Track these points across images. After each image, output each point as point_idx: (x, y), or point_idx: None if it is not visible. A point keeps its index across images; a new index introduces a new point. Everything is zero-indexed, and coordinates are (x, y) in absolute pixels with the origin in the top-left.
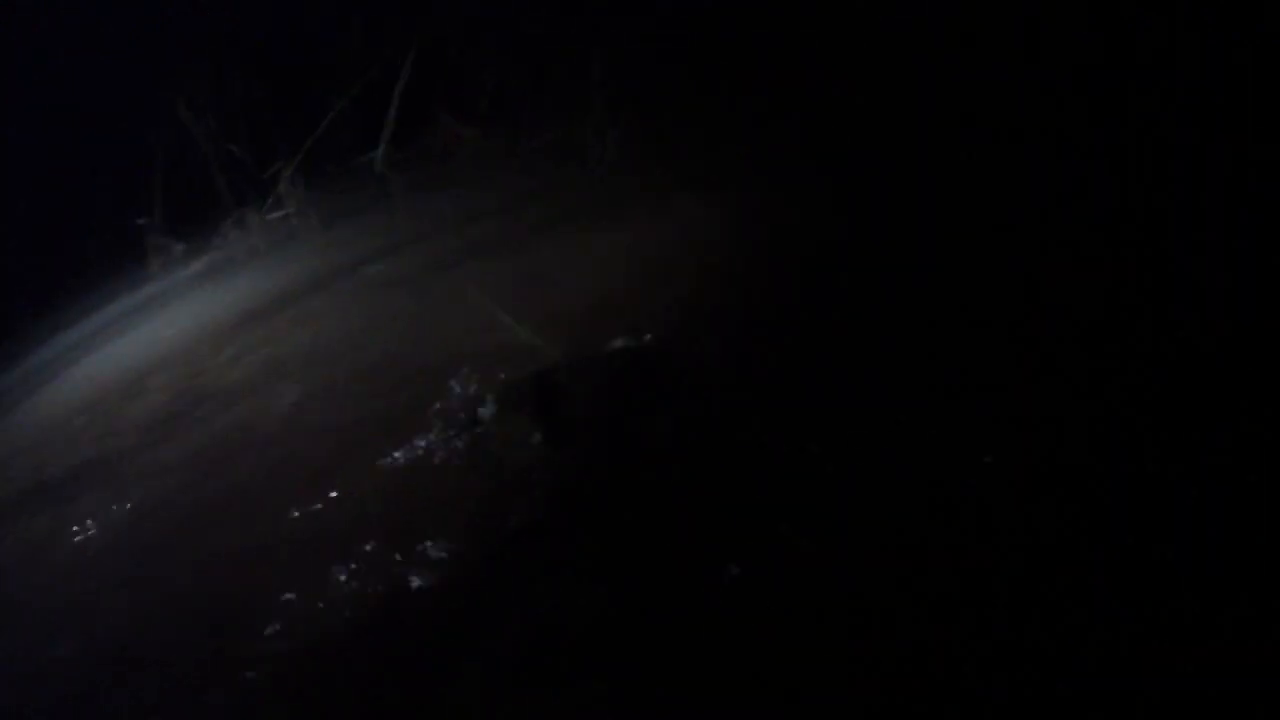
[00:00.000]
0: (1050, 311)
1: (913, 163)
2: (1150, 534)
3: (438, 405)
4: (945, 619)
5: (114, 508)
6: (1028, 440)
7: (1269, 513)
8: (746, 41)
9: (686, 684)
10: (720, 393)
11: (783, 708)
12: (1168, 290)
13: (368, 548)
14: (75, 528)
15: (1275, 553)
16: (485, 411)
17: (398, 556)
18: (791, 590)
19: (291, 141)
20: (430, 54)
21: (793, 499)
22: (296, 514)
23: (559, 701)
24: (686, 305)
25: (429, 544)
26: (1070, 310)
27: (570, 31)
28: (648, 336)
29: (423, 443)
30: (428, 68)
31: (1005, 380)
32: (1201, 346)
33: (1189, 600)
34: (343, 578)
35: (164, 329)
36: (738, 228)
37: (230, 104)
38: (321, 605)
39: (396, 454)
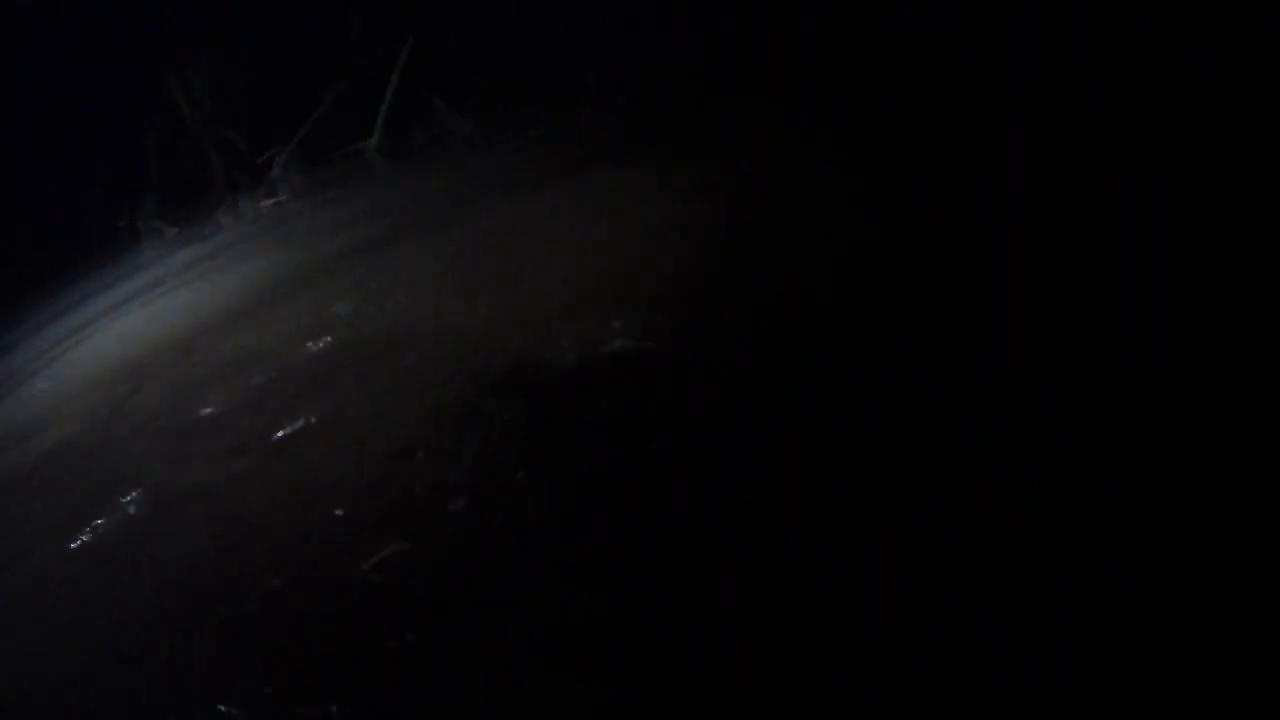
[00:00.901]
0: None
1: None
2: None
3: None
4: (943, 617)
5: None
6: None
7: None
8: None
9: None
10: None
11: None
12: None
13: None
14: None
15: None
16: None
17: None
18: (792, 591)
19: (287, 128)
20: (428, 43)
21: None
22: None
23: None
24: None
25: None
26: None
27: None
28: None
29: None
30: (425, 57)
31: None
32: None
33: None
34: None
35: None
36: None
37: (227, 89)
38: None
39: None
